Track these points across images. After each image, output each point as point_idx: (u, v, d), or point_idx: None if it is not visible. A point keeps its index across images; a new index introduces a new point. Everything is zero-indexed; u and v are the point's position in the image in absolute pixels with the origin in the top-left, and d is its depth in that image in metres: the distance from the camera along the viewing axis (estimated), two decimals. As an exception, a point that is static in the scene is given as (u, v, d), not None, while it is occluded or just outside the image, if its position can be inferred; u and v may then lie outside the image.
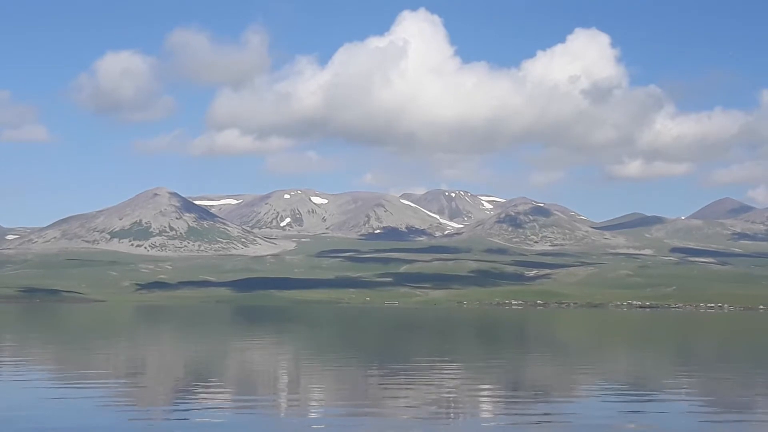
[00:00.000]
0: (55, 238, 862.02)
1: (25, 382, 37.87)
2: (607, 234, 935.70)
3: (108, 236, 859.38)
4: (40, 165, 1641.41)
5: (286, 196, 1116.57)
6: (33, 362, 49.91)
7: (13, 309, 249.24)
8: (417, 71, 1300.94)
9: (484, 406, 31.62)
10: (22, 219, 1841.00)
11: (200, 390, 35.12)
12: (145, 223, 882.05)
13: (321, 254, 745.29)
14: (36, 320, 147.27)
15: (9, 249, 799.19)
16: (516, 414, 28.42)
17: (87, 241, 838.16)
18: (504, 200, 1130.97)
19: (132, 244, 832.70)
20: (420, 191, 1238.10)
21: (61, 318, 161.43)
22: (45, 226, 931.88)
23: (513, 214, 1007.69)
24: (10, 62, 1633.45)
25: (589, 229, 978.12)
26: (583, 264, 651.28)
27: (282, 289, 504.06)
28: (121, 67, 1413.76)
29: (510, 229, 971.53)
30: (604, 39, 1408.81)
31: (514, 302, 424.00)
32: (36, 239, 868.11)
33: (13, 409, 28.34)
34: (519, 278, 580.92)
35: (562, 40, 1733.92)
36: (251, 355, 58.23)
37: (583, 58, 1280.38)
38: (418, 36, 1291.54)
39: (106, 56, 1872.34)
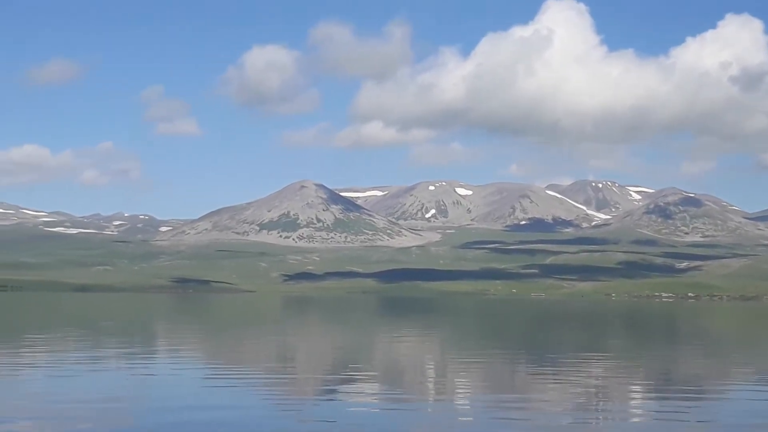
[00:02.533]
0: (206, 229, 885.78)
1: (182, 371, 38.73)
2: (761, 225, 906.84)
3: (257, 228, 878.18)
4: (191, 158, 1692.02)
5: (431, 187, 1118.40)
6: (188, 351, 51.13)
7: (167, 299, 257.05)
8: (562, 60, 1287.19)
9: (634, 401, 30.91)
10: (174, 211, 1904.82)
11: (348, 381, 35.35)
12: (293, 214, 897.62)
13: (466, 245, 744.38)
14: (189, 310, 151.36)
15: (162, 240, 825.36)
16: (668, 411, 27.62)
17: (237, 233, 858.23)
18: (653, 190, 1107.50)
19: (280, 236, 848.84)
20: (566, 182, 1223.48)
21: (212, 308, 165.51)
22: (196, 218, 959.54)
23: (662, 204, 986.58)
24: (163, 58, 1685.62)
25: (742, 219, 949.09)
26: (735, 256, 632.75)
27: (427, 280, 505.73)
28: (267, 61, 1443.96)
29: (659, 220, 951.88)
30: (756, 25, 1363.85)
31: (664, 295, 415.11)
32: (188, 231, 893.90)
33: (174, 399, 29.00)
34: (669, 270, 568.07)
35: (713, 26, 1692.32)
36: (398, 346, 58.42)
37: (735, 45, 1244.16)
38: (564, 24, 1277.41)
39: (252, 50, 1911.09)
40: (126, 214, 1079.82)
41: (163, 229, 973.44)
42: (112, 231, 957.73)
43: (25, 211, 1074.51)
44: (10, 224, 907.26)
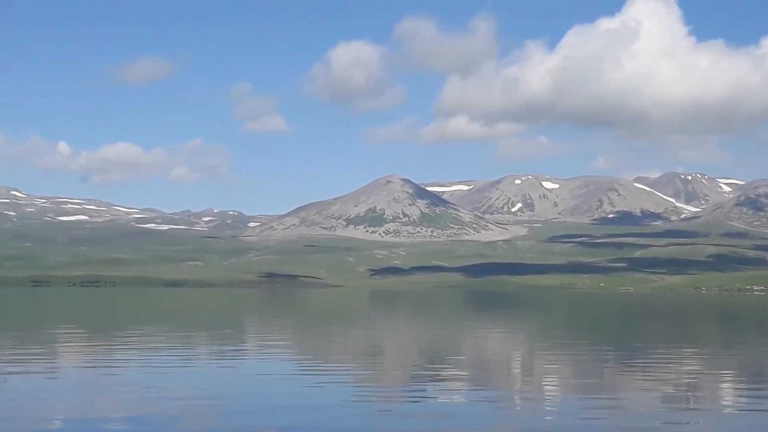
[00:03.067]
0: (294, 225, 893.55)
1: (273, 367, 39.23)
2: None
3: (344, 223, 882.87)
4: (279, 154, 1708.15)
5: (517, 181, 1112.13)
6: (278, 347, 51.78)
7: (256, 293, 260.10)
8: (649, 52, 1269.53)
9: (728, 399, 30.47)
10: (263, 207, 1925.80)
11: (435, 376, 35.49)
12: (379, 209, 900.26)
13: (553, 239, 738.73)
14: (277, 305, 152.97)
15: (251, 236, 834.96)
16: (764, 410, 27.20)
17: (324, 228, 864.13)
18: (744, 182, 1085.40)
19: (367, 231, 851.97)
20: (654, 174, 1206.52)
21: (300, 302, 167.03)
22: (284, 213, 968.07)
23: (753, 196, 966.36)
24: (251, 56, 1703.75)
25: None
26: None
27: (514, 274, 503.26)
28: (352, 57, 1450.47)
29: (750, 212, 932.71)
30: None
31: (755, 288, 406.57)
32: (276, 226, 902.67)
33: (269, 396, 29.47)
34: (761, 263, 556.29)
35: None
36: (484, 341, 58.41)
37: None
38: (651, 16, 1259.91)
39: (338, 47, 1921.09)
40: (215, 210, 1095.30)
41: (252, 224, 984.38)
42: (202, 227, 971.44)
43: (117, 208, 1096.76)
44: (104, 221, 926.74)
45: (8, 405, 25.87)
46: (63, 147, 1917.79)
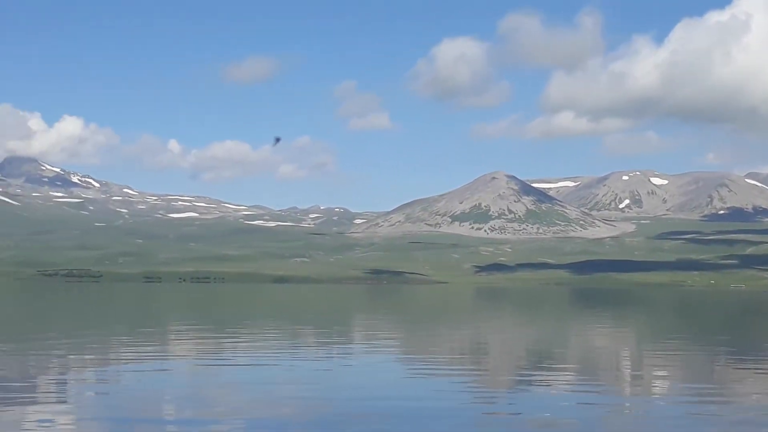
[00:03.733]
0: (399, 221, 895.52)
1: (379, 361, 39.63)
2: None
3: (449, 219, 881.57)
4: (384, 151, 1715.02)
5: (625, 177, 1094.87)
6: (384, 341, 52.21)
7: (362, 289, 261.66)
8: (760, 45, 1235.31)
9: None
10: (368, 204, 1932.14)
11: (540, 373, 35.43)
12: (485, 206, 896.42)
13: (661, 236, 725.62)
14: (383, 300, 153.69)
15: (357, 233, 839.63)
16: None
17: (429, 225, 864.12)
18: None
19: (472, 227, 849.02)
20: (766, 170, 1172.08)
21: (406, 299, 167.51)
22: (390, 210, 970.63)
23: None
24: (356, 54, 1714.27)
25: None
26: None
27: (622, 271, 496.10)
28: (457, 53, 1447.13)
29: None
30: None
31: None
32: (381, 223, 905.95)
33: (373, 389, 29.83)
34: None
35: None
36: (591, 338, 57.92)
37: None
38: (762, 8, 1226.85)
39: (442, 43, 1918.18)
40: (322, 207, 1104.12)
41: (358, 221, 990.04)
42: (309, 224, 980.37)
43: (226, 205, 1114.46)
44: (213, 218, 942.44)
45: (123, 401, 26.67)
46: (173, 145, 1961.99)
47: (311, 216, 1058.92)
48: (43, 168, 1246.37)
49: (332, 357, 42.27)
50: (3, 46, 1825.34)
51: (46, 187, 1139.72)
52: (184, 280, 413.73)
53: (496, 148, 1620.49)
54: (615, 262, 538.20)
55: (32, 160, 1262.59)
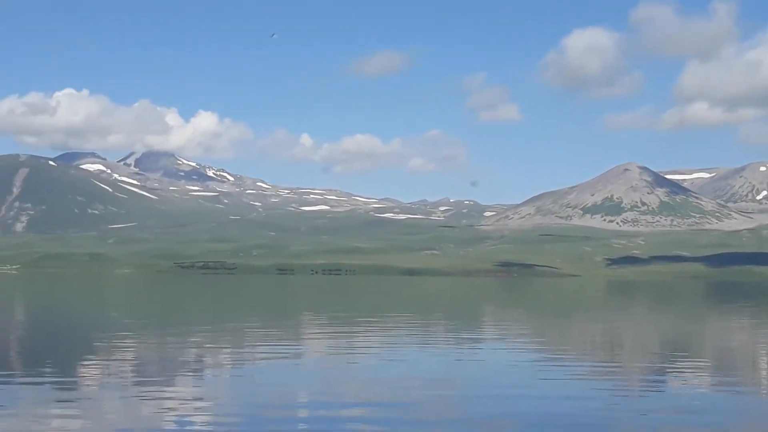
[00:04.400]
0: (529, 214, 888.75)
1: (511, 357, 39.51)
2: None
3: (580, 212, 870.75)
4: (513, 143, 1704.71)
5: (762, 168, 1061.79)
6: (516, 336, 52.02)
7: (492, 282, 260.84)
8: None
9: None
10: (498, 196, 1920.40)
11: (676, 369, 34.83)
12: (617, 198, 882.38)
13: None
14: (514, 294, 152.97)
15: (487, 225, 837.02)
16: None
17: (560, 217, 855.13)
18: None
19: (604, 220, 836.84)
20: None
21: (537, 292, 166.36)
22: (519, 202, 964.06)
23: None
24: (485, 46, 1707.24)
25: None
26: None
27: (760, 264, 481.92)
28: (587, 44, 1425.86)
29: None
30: None
31: None
32: (511, 216, 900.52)
33: (509, 386, 29.84)
34: None
35: None
36: (728, 334, 56.55)
37: None
38: None
39: (572, 34, 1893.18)
40: (451, 200, 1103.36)
41: (488, 214, 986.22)
42: (439, 216, 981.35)
43: (357, 198, 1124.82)
44: (344, 211, 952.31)
45: (256, 391, 27.29)
46: (306, 139, 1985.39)
47: (441, 209, 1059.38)
48: (180, 162, 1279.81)
49: (463, 351, 42.30)
50: (142, 45, 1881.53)
51: (183, 181, 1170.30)
52: (315, 272, 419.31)
53: (629, 140, 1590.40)
54: (753, 255, 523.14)
55: (169, 155, 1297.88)
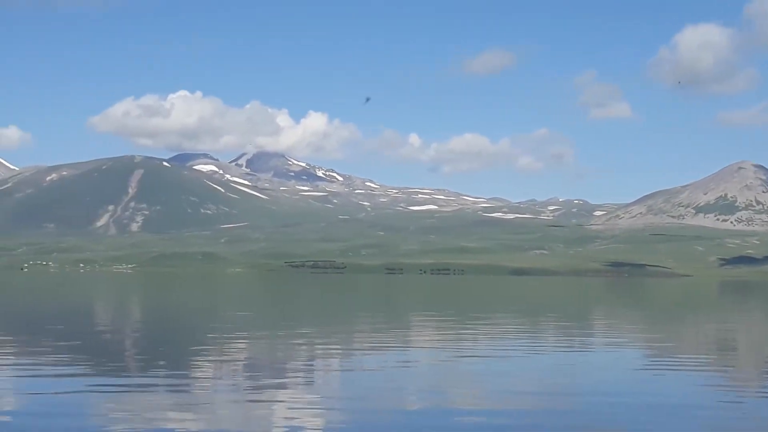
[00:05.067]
0: (640, 213, 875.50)
1: (622, 359, 38.94)
2: None
3: (693, 211, 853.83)
4: (624, 142, 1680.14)
5: None
6: (627, 338, 51.29)
7: (602, 282, 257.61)
8: None
9: None
10: (609, 195, 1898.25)
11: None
12: (731, 197, 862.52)
13: None
14: (625, 294, 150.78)
15: (597, 225, 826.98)
16: None
17: (672, 216, 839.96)
18: None
19: (717, 219, 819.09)
20: None
21: (648, 292, 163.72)
22: (630, 201, 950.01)
23: None
24: (595, 43, 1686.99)
25: None
26: None
27: None
28: (700, 40, 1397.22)
29: None
30: None
31: None
32: (622, 215, 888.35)
33: (610, 383, 29.47)
34: None
35: None
36: None
37: None
38: None
39: (685, 30, 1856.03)
40: (560, 199, 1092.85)
41: (598, 213, 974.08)
42: (547, 216, 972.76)
43: (465, 197, 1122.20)
44: (453, 210, 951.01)
45: (368, 394, 27.35)
46: (414, 139, 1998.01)
47: (550, 208, 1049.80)
48: (290, 163, 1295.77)
49: (572, 351, 41.89)
50: (253, 47, 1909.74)
51: (293, 181, 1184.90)
52: (424, 272, 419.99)
53: (743, 137, 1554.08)
54: None
55: (280, 155, 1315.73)
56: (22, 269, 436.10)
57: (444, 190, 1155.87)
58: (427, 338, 48.44)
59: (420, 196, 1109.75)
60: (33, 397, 24.81)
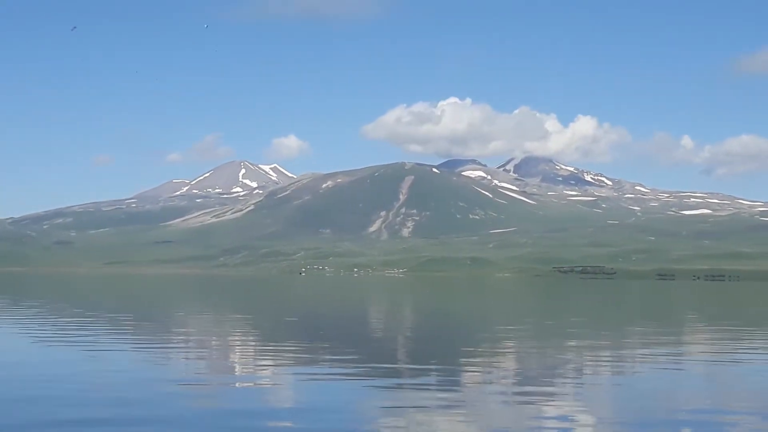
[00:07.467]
0: None
1: None
2: None
3: None
4: None
5: None
6: None
7: None
8: None
9: None
10: None
11: None
12: None
13: None
14: None
15: None
16: None
17: None
18: None
19: None
20: None
21: None
22: None
23: None
24: None
25: None
26: None
27: None
28: None
29: None
30: None
31: None
32: None
33: None
34: None
35: None
36: None
37: None
38: None
39: None
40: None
41: None
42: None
43: (740, 201, 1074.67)
44: (727, 214, 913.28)
45: (638, 401, 26.76)
46: (686, 141, 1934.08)
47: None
48: (558, 167, 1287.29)
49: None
50: (521, 53, 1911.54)
51: (561, 186, 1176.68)
52: (697, 278, 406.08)
53: None
54: None
55: (547, 160, 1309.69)
56: (300, 273, 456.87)
57: (718, 193, 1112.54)
58: (700, 344, 47.18)
59: (692, 200, 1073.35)
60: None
